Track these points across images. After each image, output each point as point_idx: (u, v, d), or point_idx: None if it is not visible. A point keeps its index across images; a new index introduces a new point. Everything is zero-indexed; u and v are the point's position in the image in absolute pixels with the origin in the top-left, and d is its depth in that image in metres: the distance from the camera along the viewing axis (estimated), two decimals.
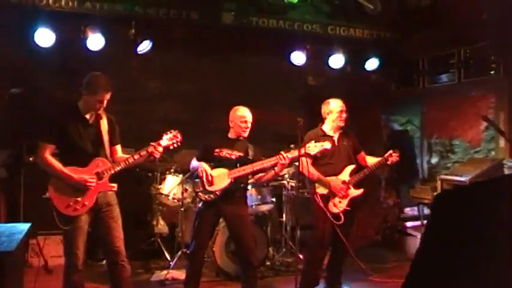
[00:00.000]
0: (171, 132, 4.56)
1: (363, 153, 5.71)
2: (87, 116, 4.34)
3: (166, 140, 4.52)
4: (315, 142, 5.01)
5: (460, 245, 1.54)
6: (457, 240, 1.54)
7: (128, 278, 4.49)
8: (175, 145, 4.59)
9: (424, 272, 1.63)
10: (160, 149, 4.45)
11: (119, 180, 4.52)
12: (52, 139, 4.26)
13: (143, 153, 4.41)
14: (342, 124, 5.47)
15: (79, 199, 4.22)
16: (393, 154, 5.44)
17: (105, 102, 4.31)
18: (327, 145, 5.06)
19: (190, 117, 7.41)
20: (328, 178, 5.32)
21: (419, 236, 7.70)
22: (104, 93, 4.25)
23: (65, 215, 4.21)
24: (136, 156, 4.40)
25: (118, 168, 4.38)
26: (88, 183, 4.21)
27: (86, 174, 4.24)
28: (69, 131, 4.25)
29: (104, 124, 4.41)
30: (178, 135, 4.57)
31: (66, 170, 4.21)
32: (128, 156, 4.47)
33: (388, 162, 5.49)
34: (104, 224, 4.37)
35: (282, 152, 5.00)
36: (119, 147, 4.62)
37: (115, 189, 4.44)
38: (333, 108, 5.45)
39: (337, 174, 5.39)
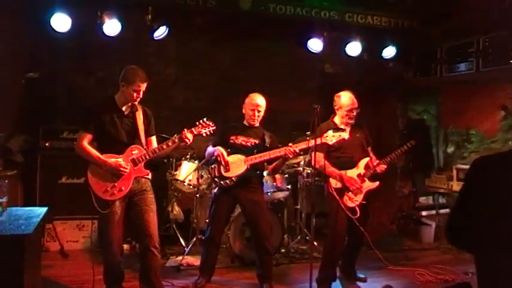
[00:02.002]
0: (203, 121, 4.65)
1: (370, 148, 5.62)
2: (123, 108, 4.51)
3: (199, 127, 4.62)
4: (333, 132, 4.98)
5: (487, 191, 2.39)
6: (485, 188, 2.40)
7: (158, 268, 4.59)
8: (207, 133, 4.68)
9: (460, 209, 2.54)
10: (190, 135, 4.52)
11: None
12: (89, 129, 4.45)
13: (176, 140, 4.52)
14: (350, 121, 5.37)
15: (116, 184, 4.40)
16: (380, 164, 5.36)
17: (141, 93, 4.45)
18: (345, 135, 5.01)
19: (207, 104, 7.42)
20: (343, 171, 5.28)
21: (434, 225, 7.68)
22: (139, 83, 4.40)
23: (103, 199, 4.37)
24: (170, 143, 4.51)
25: (152, 155, 4.50)
26: (122, 169, 4.37)
27: (121, 161, 4.40)
28: (105, 121, 4.44)
29: (140, 116, 4.57)
30: (211, 123, 4.67)
31: (102, 157, 4.38)
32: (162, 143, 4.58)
33: (378, 170, 5.40)
34: (137, 209, 4.49)
35: (291, 144, 4.99)
36: (154, 138, 4.74)
37: (149, 175, 4.59)
38: (342, 105, 5.34)
39: (352, 167, 5.34)
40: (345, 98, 5.36)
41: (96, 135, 4.46)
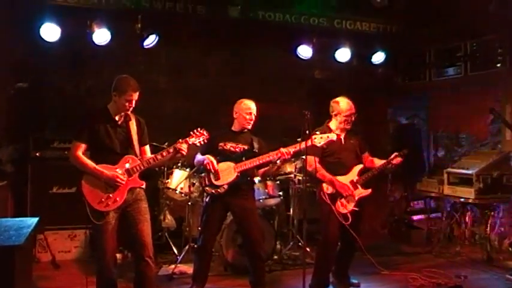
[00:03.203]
0: (197, 130, 4.64)
1: (367, 153, 5.65)
2: (117, 118, 4.47)
3: (193, 137, 4.60)
4: (321, 134, 4.99)
5: None
6: None
7: (152, 278, 4.56)
8: (201, 142, 4.66)
9: None
10: (185, 146, 4.50)
11: None
12: (83, 138, 4.40)
13: (171, 150, 4.49)
14: (348, 127, 5.41)
15: (111, 195, 4.34)
16: (395, 159, 5.39)
17: (134, 102, 4.42)
18: (333, 136, 5.01)
19: (198, 111, 7.40)
20: (336, 177, 5.30)
21: (426, 229, 7.71)
22: (132, 92, 4.37)
23: (97, 210, 4.32)
24: (164, 153, 4.48)
25: (147, 165, 4.47)
26: (118, 180, 4.32)
27: (118, 172, 4.36)
28: (99, 131, 4.39)
29: (133, 125, 4.53)
30: (205, 133, 4.66)
31: (98, 167, 4.33)
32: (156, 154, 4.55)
33: (389, 166, 5.45)
34: (131, 218, 4.46)
35: (282, 149, 4.98)
36: (147, 148, 4.70)
37: (144, 186, 4.55)
38: (341, 111, 5.36)
39: (345, 173, 5.35)
40: (344, 104, 5.38)
41: (89, 145, 4.41)
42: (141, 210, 4.47)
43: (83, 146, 4.38)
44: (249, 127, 5.28)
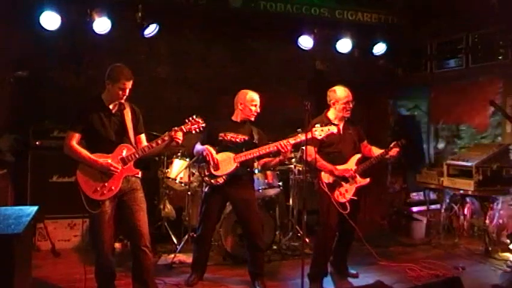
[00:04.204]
0: (193, 118, 4.59)
1: (366, 142, 5.65)
2: (111, 106, 4.47)
3: (188, 125, 4.56)
4: (321, 126, 4.97)
5: None
6: None
7: (150, 267, 4.57)
8: (197, 130, 4.61)
9: None
10: (180, 134, 4.48)
11: None
12: (78, 128, 4.40)
13: (166, 138, 4.47)
14: (347, 114, 5.39)
15: (106, 184, 4.35)
16: (393, 148, 5.39)
17: (127, 90, 4.41)
18: (333, 129, 5.00)
19: (199, 102, 7.40)
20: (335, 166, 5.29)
21: (425, 220, 7.72)
22: (125, 81, 4.36)
23: (93, 199, 4.33)
24: (159, 141, 4.46)
25: (142, 154, 4.46)
26: (112, 168, 4.33)
27: (111, 160, 4.36)
28: (93, 120, 4.39)
29: (128, 114, 4.53)
30: (200, 120, 4.59)
31: (92, 156, 4.34)
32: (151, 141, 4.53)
33: (387, 156, 5.45)
34: (127, 208, 4.47)
35: (283, 141, 4.96)
36: (143, 136, 4.69)
37: (139, 174, 4.55)
38: (339, 99, 5.34)
39: (343, 163, 5.34)
40: (340, 91, 5.36)
41: (84, 134, 4.41)
42: (137, 200, 4.48)
43: (77, 136, 4.39)
44: (253, 119, 5.27)
